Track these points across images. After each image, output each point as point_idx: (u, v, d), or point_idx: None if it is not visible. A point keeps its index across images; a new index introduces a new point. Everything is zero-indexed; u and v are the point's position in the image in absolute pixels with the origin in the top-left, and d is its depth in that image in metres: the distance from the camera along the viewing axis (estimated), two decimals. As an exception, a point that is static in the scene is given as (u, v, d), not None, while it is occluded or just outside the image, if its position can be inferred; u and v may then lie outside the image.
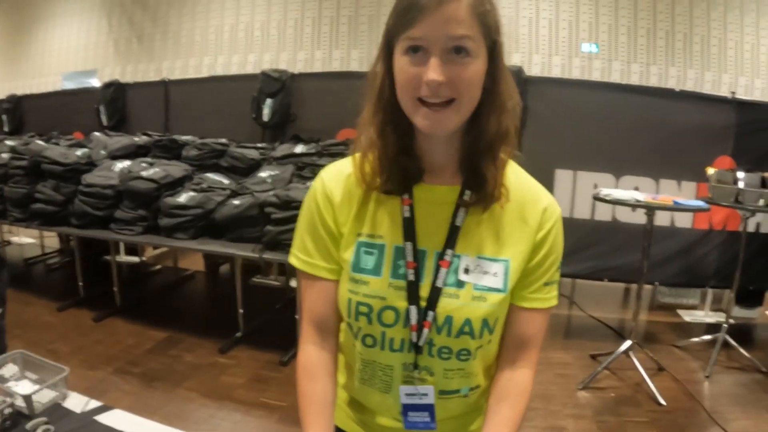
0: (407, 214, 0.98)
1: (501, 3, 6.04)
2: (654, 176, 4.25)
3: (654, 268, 4.00)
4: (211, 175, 4.09)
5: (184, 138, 4.61)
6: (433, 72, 0.86)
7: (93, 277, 4.59)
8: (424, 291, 0.97)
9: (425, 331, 0.97)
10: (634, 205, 3.27)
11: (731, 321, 3.93)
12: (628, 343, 3.50)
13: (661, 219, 4.16)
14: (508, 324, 1.02)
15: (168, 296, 4.91)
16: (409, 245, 0.97)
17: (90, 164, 4.28)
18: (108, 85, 5.69)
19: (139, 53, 7.66)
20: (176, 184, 3.94)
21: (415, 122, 0.92)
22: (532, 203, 0.99)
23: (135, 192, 3.88)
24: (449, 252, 0.97)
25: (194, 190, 3.83)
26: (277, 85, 4.63)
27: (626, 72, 6.13)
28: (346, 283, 1.01)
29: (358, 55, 6.48)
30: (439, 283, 0.96)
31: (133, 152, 4.64)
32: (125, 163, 4.23)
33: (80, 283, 4.46)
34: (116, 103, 5.64)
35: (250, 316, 3.98)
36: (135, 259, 5.54)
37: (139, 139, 4.82)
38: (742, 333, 4.28)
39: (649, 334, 4.27)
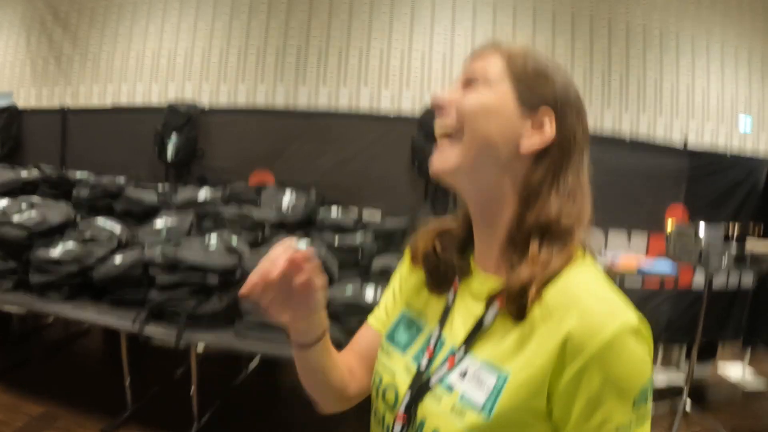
0: (449, 300, 0.83)
1: (435, 38, 5.69)
2: (602, 227, 3.67)
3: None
4: (101, 221, 3.25)
5: (79, 174, 3.79)
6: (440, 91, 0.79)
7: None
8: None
9: (398, 425, 0.77)
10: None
11: (684, 376, 3.53)
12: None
13: (610, 275, 3.61)
14: None
15: (54, 357, 4.00)
16: (436, 331, 0.82)
17: (-37, 202, 3.39)
18: (1, 110, 4.75)
19: (57, 76, 6.80)
20: (54, 232, 3.09)
21: None
22: (564, 310, 0.68)
23: (2, 240, 3.04)
24: (462, 350, 0.76)
25: (74, 240, 2.99)
26: (184, 118, 3.83)
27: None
28: (380, 348, 0.89)
29: (284, 90, 5.79)
30: (434, 379, 0.76)
31: (19, 188, 3.77)
32: (2, 203, 3.36)
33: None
34: (9, 130, 4.70)
35: (146, 385, 3.21)
36: (18, 308, 4.56)
37: (29, 173, 3.93)
38: (697, 391, 3.79)
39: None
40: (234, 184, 3.46)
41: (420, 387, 0.77)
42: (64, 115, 4.52)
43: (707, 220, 3.28)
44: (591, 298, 0.69)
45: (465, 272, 0.83)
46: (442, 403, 0.73)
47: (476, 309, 0.78)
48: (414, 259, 0.90)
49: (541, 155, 0.76)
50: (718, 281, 3.81)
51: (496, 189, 0.77)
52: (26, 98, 6.65)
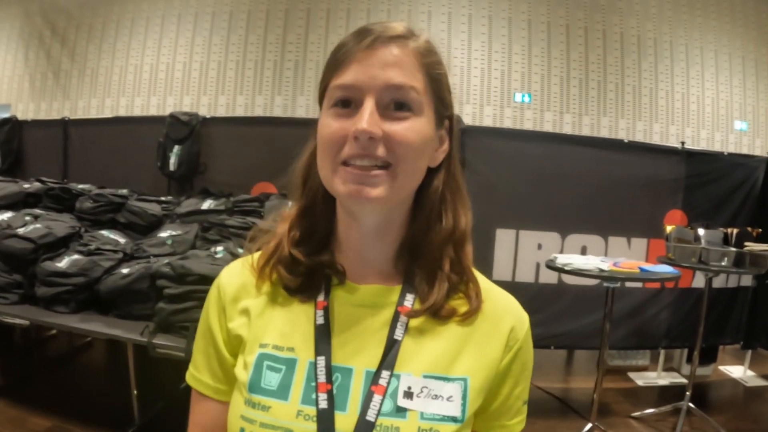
0: (320, 321, 0.72)
1: (453, 62, 5.68)
2: (602, 234, 3.72)
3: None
4: (105, 233, 3.27)
5: (81, 187, 3.78)
6: (364, 120, 0.66)
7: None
8: (348, 424, 0.66)
9: None
10: (598, 276, 2.68)
11: (685, 380, 3.54)
12: (588, 426, 2.91)
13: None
14: None
15: (60, 370, 3.99)
16: (321, 360, 0.70)
17: (-34, 215, 3.39)
18: (2, 123, 4.76)
19: (55, 91, 6.81)
20: (59, 245, 3.10)
21: (334, 191, 0.70)
22: (501, 313, 0.76)
23: (7, 253, 3.02)
24: (385, 374, 0.68)
25: (80, 253, 3.00)
26: (186, 130, 3.84)
27: (558, 122, 5.75)
28: (239, 406, 0.71)
29: (282, 102, 5.83)
30: (370, 416, 0.67)
31: (21, 201, 3.77)
32: (6, 215, 3.36)
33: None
34: (11, 143, 4.71)
35: (152, 397, 3.17)
36: (25, 322, 4.54)
37: (31, 186, 3.94)
38: (699, 393, 3.79)
39: (602, 404, 3.66)
40: (237, 196, 3.47)
41: (358, 429, 0.67)
42: (65, 126, 4.52)
43: (706, 226, 3.33)
44: (509, 297, 0.80)
45: (335, 282, 0.76)
46: (402, 431, 0.67)
47: (374, 322, 0.73)
48: (262, 269, 0.77)
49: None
50: (718, 284, 3.86)
51: (400, 203, 0.74)
52: (25, 113, 6.67)
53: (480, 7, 5.71)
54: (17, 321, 3.05)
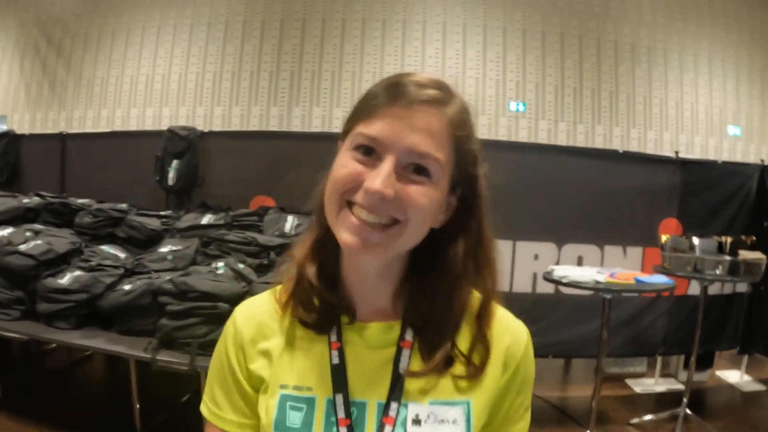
0: (336, 361, 0.77)
1: (426, 61, 5.78)
2: (598, 243, 3.77)
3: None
4: (105, 248, 3.30)
5: (80, 201, 3.80)
6: (380, 180, 0.66)
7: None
8: None
9: None
10: (595, 288, 2.72)
11: (682, 387, 3.57)
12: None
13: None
14: None
15: (59, 383, 4.00)
16: (340, 398, 0.75)
17: (-35, 230, 3.40)
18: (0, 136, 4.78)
19: (51, 101, 6.81)
20: (60, 261, 3.13)
21: (336, 234, 0.72)
22: (497, 335, 0.79)
23: (9, 270, 3.04)
24: (394, 406, 0.74)
25: (81, 269, 3.03)
26: (184, 144, 3.87)
27: (553, 131, 5.79)
28: None
29: (278, 113, 5.86)
30: None
31: (21, 216, 3.78)
32: (6, 231, 3.38)
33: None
34: (7, 157, 4.72)
35: (154, 409, 3.19)
36: (24, 336, 4.56)
37: (30, 200, 3.95)
38: (696, 399, 3.83)
39: (600, 412, 3.70)
40: (236, 209, 3.50)
41: None
42: (63, 140, 4.54)
43: (700, 235, 3.38)
44: (507, 316, 0.83)
45: (345, 321, 0.80)
46: None
47: (382, 357, 0.77)
48: (285, 305, 0.81)
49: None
50: (713, 291, 3.90)
51: (399, 254, 0.77)
52: (20, 123, 6.64)
53: (474, 17, 5.76)
54: (18, 336, 3.08)
